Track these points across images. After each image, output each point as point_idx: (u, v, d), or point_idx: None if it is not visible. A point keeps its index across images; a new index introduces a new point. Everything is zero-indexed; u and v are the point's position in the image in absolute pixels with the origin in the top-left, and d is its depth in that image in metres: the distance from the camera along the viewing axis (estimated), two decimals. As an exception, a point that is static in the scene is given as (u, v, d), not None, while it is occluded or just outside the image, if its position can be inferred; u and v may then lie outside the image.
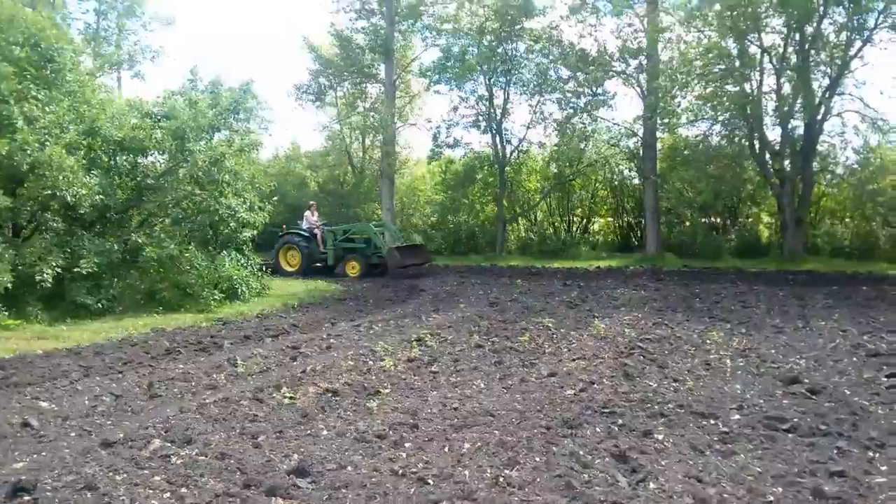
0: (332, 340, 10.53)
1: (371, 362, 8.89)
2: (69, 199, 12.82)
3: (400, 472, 5.18)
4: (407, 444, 5.83)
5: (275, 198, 19.06)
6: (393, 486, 4.94)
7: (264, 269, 19.91)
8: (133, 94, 17.50)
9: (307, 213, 22.75)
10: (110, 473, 5.14)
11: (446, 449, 5.72)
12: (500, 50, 29.05)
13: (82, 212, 13.56)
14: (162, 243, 14.18)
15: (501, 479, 4.99)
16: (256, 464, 5.36)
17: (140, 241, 14.38)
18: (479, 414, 6.65)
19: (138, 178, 15.60)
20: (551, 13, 29.46)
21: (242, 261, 16.33)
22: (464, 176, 31.44)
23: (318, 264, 21.75)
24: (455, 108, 30.81)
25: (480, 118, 30.39)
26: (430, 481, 5.00)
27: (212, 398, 7.20)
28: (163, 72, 67.47)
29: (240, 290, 15.40)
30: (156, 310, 13.68)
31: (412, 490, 4.87)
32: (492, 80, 29.99)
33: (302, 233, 21.86)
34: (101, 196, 13.66)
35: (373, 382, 7.87)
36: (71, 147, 13.27)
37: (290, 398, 7.17)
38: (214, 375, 8.29)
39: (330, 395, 7.31)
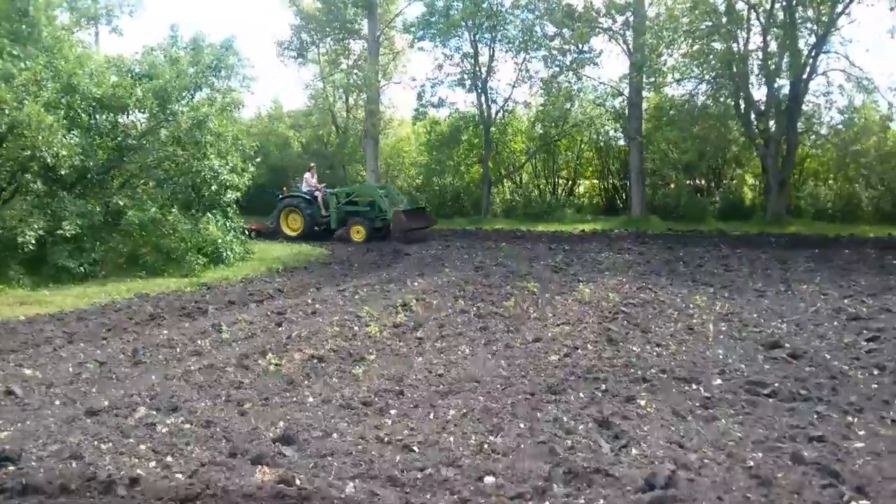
0: (317, 306, 10.53)
1: (356, 328, 8.91)
2: (49, 159, 12.63)
3: (385, 439, 5.22)
4: (392, 411, 5.86)
5: (258, 159, 18.87)
6: (378, 453, 4.97)
7: (260, 232, 20.12)
8: (111, 51, 17.16)
9: (307, 174, 22.30)
10: (95, 442, 5.14)
11: (431, 416, 5.76)
12: (484, 5, 28.61)
13: (62, 173, 13.34)
14: (144, 206, 14.04)
15: (486, 446, 5.05)
16: (242, 432, 5.38)
17: (121, 203, 14.23)
18: (464, 380, 6.69)
19: (119, 138, 15.38)
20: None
21: (227, 224, 16.19)
22: (449, 136, 31.23)
23: (319, 228, 21.40)
24: (440, 66, 30.48)
25: (465, 76, 30.08)
26: (415, 448, 5.05)
27: (196, 365, 7.21)
28: (141, 26, 66.18)
29: (224, 255, 15.30)
30: (139, 274, 13.60)
31: (398, 457, 4.91)
32: (477, 37, 29.62)
33: (304, 196, 21.39)
34: (81, 157, 13.46)
35: (358, 348, 7.89)
36: (49, 105, 13.02)
37: (276, 365, 7.18)
38: (199, 342, 8.28)
39: (315, 361, 7.33)
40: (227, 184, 16.21)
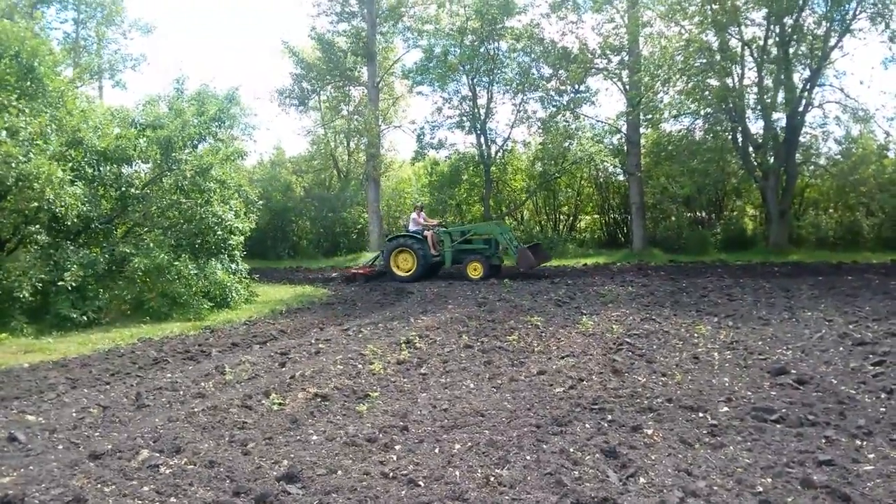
0: (320, 345, 10.50)
1: (360, 366, 8.88)
2: (57, 211, 12.76)
3: (390, 474, 5.18)
4: (397, 447, 5.82)
5: (260, 202, 19.00)
6: (383, 488, 4.93)
7: (368, 277, 20.55)
8: (116, 103, 17.40)
9: (413, 214, 21.71)
10: (98, 485, 5.11)
11: (437, 450, 5.71)
12: (481, 49, 29.09)
13: (68, 223, 13.50)
14: (150, 253, 14.12)
15: (492, 479, 5.00)
16: (246, 471, 5.34)
17: (126, 250, 14.31)
18: (469, 414, 6.65)
19: (123, 188, 15.54)
20: (532, 11, 29.61)
21: (232, 268, 16.30)
22: (449, 177, 31.52)
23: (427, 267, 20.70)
24: (439, 110, 30.92)
25: (464, 118, 30.46)
26: (420, 483, 5.00)
27: (200, 406, 7.16)
28: (145, 80, 67.25)
29: (229, 298, 15.36)
30: (143, 320, 13.63)
31: (403, 492, 4.86)
32: (474, 80, 30.05)
33: (416, 235, 20.65)
34: (85, 207, 13.60)
35: (362, 386, 7.86)
36: (54, 158, 13.20)
37: (280, 404, 7.15)
38: (202, 384, 8.25)
39: (319, 399, 7.30)
40: (232, 229, 16.34)
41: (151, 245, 14.59)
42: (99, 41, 33.58)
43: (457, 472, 5.16)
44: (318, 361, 9.29)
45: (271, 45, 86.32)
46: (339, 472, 5.27)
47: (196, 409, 7.04)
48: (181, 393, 7.88)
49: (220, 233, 16.06)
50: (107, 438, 6.24)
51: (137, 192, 15.69)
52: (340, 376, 8.31)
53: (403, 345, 10.13)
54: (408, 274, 20.19)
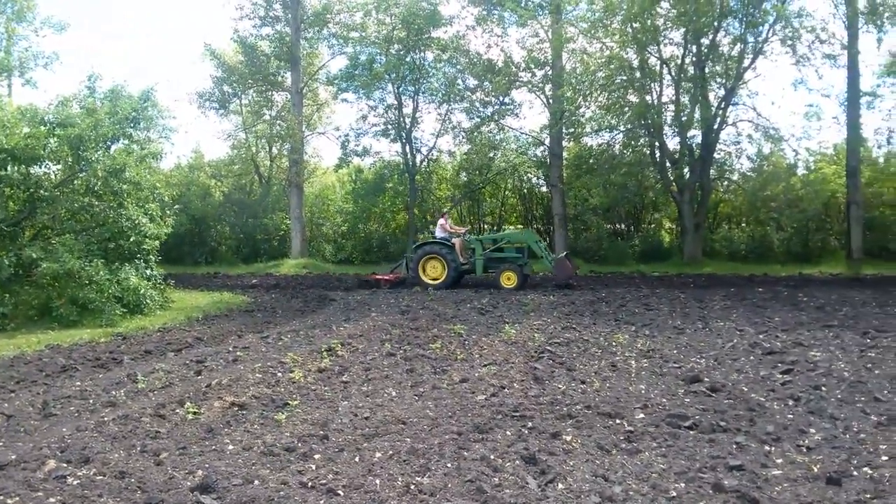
0: (238, 353, 10.23)
1: (280, 374, 8.69)
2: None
3: (309, 484, 5.06)
4: (316, 456, 5.71)
5: (176, 206, 18.44)
6: (301, 498, 4.82)
7: (394, 283, 20.04)
8: (25, 102, 16.59)
9: (441, 220, 21.16)
10: (1, 497, 4.82)
11: (357, 459, 5.63)
12: (408, 59, 29.18)
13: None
14: (60, 257, 13.53)
15: (413, 487, 4.95)
16: (158, 482, 5.14)
17: (34, 255, 13.67)
18: (390, 422, 6.59)
19: (31, 189, 14.85)
20: (458, 23, 29.89)
21: (146, 273, 15.76)
22: (374, 185, 31.43)
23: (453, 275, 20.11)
24: (364, 117, 30.85)
25: (390, 127, 30.46)
26: (339, 492, 4.91)
27: (110, 415, 6.87)
28: (57, 79, 64.77)
29: (142, 304, 14.84)
30: (51, 326, 13.04)
31: (321, 502, 4.76)
32: (400, 89, 30.11)
33: (444, 242, 20.18)
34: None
35: (281, 394, 7.69)
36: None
37: (195, 413, 6.93)
38: (113, 392, 7.92)
39: (236, 408, 7.10)
40: (147, 233, 15.79)
41: (61, 249, 13.97)
42: (9, 38, 32.11)
43: (377, 481, 5.09)
44: (236, 369, 9.05)
45: (193, 47, 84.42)
46: (256, 482, 5.12)
47: (106, 418, 6.75)
48: (91, 401, 7.55)
49: (134, 237, 15.49)
50: (11, 449, 5.91)
51: (47, 193, 15.00)
52: (259, 385, 8.11)
53: (325, 353, 9.97)
54: (437, 282, 19.71)
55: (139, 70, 75.81)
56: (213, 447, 5.98)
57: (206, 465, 5.49)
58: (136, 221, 15.41)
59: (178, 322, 13.93)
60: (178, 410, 7.05)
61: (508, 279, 19.37)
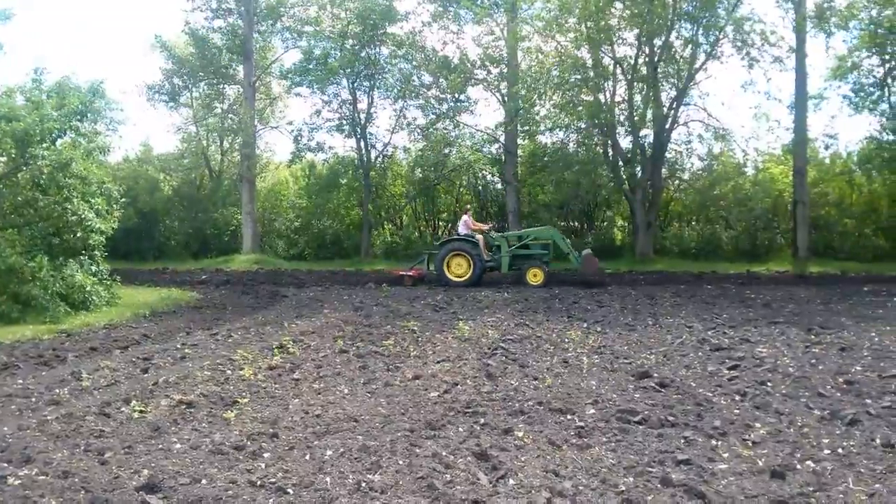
0: (187, 350, 10.03)
1: (229, 371, 8.54)
2: None
3: (258, 482, 4.98)
4: (266, 454, 5.62)
5: (122, 199, 17.98)
6: (250, 497, 4.74)
7: (416, 280, 19.74)
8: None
9: (465, 217, 20.71)
10: (-65, 500, 4.65)
11: (307, 457, 5.56)
12: (362, 54, 28.99)
13: None
14: (2, 253, 13.09)
15: (364, 484, 4.90)
16: (102, 481, 5.00)
17: (-27, 250, 13.21)
18: (342, 420, 6.53)
19: (-29, 184, 14.35)
20: (414, 19, 29.83)
21: (92, 269, 15.36)
22: (328, 180, 31.16)
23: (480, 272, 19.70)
24: (318, 112, 30.56)
25: (344, 122, 30.24)
26: (289, 490, 4.84)
27: (53, 414, 6.67)
28: (1, 71, 62.70)
29: (88, 301, 14.46)
30: (-9, 323, 12.62)
31: (271, 500, 4.69)
32: (355, 84, 29.90)
33: (469, 239, 19.81)
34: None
35: (230, 392, 7.56)
36: None
37: (141, 412, 6.77)
38: (57, 390, 7.69)
39: (184, 406, 6.95)
40: (93, 228, 15.38)
41: (3, 244, 13.51)
42: (-52, 25, 31.02)
43: (328, 479, 5.04)
44: (184, 367, 8.87)
45: (142, 38, 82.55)
46: (204, 481, 5.02)
47: (49, 417, 6.55)
48: (33, 400, 7.32)
49: (79, 232, 15.07)
50: (-54, 450, 5.70)
51: (-12, 187, 14.53)
52: (207, 382, 7.96)
53: (276, 350, 9.84)
54: (463, 279, 19.37)
55: (87, 60, 73.94)
56: (160, 446, 5.85)
57: (153, 465, 5.37)
58: (82, 216, 15.00)
59: (125, 319, 13.62)
60: (123, 409, 6.89)
61: (535, 276, 19.23)
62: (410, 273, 20.38)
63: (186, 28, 31.04)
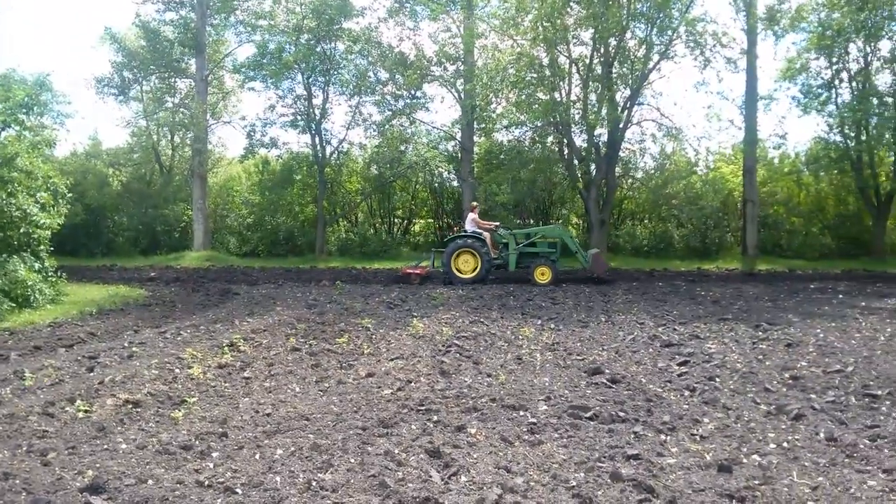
0: (134, 349, 9.82)
1: (177, 370, 8.39)
2: None
3: (206, 482, 4.90)
4: (214, 454, 5.53)
5: (69, 194, 17.53)
6: (198, 497, 4.66)
7: (424, 277, 19.45)
8: None
9: (472, 214, 20.25)
10: None
11: (257, 456, 5.49)
12: (318, 49, 28.70)
13: None
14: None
15: (314, 483, 4.86)
16: (45, 483, 4.88)
17: None
18: (293, 419, 6.46)
19: None
20: (370, 14, 29.66)
21: (36, 266, 14.94)
22: (282, 176, 30.81)
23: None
24: (272, 107, 30.15)
25: (299, 117, 29.89)
26: (238, 490, 4.77)
27: (-6, 415, 6.48)
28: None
29: (32, 298, 14.06)
30: (-74, 322, 12.19)
31: (219, 500, 4.62)
32: (310, 79, 29.59)
33: (477, 236, 19.42)
34: None
35: (179, 391, 7.43)
36: None
37: (86, 411, 6.61)
38: (-2, 390, 7.48)
39: (130, 406, 6.81)
40: (38, 223, 14.97)
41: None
42: None
43: (277, 478, 4.98)
44: (131, 366, 8.68)
45: (92, 30, 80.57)
46: (150, 482, 4.92)
47: (-12, 418, 6.36)
48: (-28, 400, 7.10)
49: (23, 227, 14.66)
50: None
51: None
52: (155, 381, 7.81)
53: (226, 348, 9.69)
54: (470, 276, 19.09)
55: (34, 53, 72.00)
56: (105, 446, 5.73)
57: (97, 465, 5.26)
58: (27, 211, 14.60)
59: (71, 316, 13.27)
60: (67, 408, 6.72)
61: (543, 274, 19.08)
62: (417, 271, 20.21)
63: (137, 20, 30.40)
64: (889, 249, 27.62)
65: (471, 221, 19.95)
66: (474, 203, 21.05)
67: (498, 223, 21.25)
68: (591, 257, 19.61)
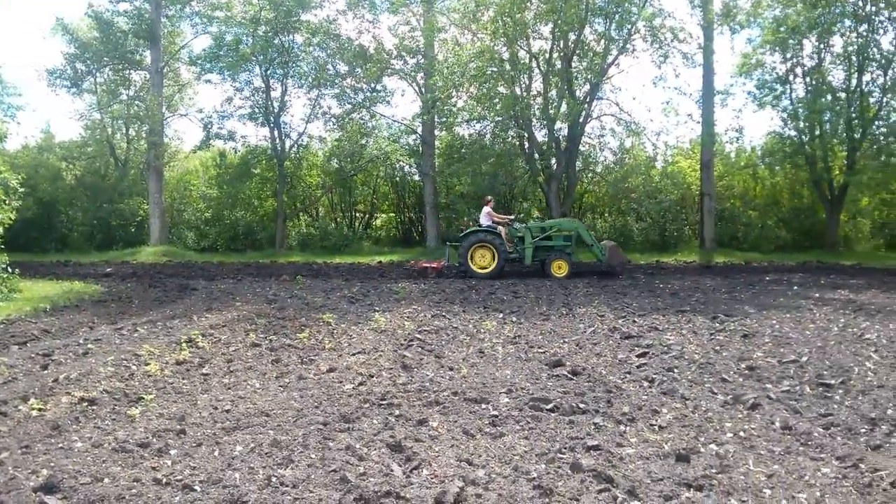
0: (89, 346, 9.61)
1: (134, 367, 8.24)
2: None
3: (164, 480, 4.83)
4: (172, 451, 5.45)
5: (22, 190, 17.13)
6: (155, 495, 4.58)
7: (440, 272, 19.43)
8: None
9: (486, 208, 19.78)
10: None
11: (216, 453, 5.42)
12: (276, 41, 28.41)
13: None
14: None
15: (274, 479, 4.81)
16: (-3, 483, 4.76)
17: None
18: (253, 415, 6.40)
19: None
20: (328, 7, 29.49)
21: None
22: (240, 170, 30.45)
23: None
24: (229, 100, 29.81)
25: (257, 110, 29.59)
26: (196, 488, 4.71)
27: (-57, 415, 6.30)
28: None
29: (-18, 295, 13.73)
30: None
31: (177, 498, 4.55)
32: (268, 72, 29.29)
33: (493, 230, 19.21)
34: None
35: (135, 388, 7.30)
36: None
37: (39, 409, 6.46)
38: (-53, 389, 7.27)
39: (86, 404, 6.67)
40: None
41: None
42: None
43: (237, 475, 4.92)
44: (87, 363, 8.50)
45: (43, 20, 78.65)
46: (106, 480, 4.84)
47: (-63, 418, 6.18)
48: (-82, 401, 6.89)
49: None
50: None
51: None
52: (111, 378, 7.66)
53: (184, 344, 9.54)
54: (486, 271, 18.93)
55: (-19, 42, 69.99)
56: (60, 445, 5.61)
57: (52, 464, 5.15)
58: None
59: (24, 313, 12.93)
60: (21, 407, 6.56)
61: (559, 268, 19.06)
62: (433, 265, 20.11)
63: (90, 11, 29.77)
64: (842, 242, 28.32)
65: (486, 215, 19.82)
66: (489, 197, 20.92)
67: (513, 216, 21.20)
68: (607, 250, 19.64)
